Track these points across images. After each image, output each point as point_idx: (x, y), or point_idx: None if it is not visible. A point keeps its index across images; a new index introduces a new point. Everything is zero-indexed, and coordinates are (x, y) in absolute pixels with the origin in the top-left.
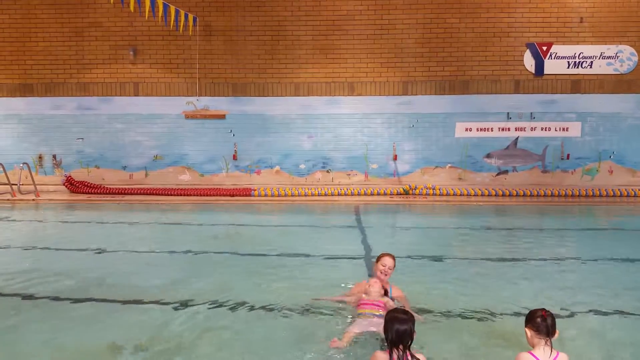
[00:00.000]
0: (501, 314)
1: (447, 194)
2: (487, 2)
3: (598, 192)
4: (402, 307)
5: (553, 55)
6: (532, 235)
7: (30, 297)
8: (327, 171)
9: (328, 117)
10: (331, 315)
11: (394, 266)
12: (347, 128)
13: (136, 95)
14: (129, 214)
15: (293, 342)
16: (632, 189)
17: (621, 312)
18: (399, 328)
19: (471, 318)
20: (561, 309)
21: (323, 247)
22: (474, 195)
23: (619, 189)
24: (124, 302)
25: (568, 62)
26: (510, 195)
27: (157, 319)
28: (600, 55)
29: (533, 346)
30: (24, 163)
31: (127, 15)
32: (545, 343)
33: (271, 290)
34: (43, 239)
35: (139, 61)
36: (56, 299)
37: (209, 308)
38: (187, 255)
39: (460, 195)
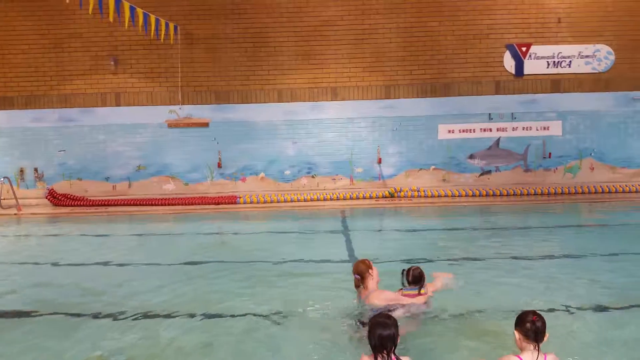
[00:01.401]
0: (491, 314)
1: (432, 196)
2: (466, 5)
3: (580, 190)
4: (387, 312)
5: (532, 56)
6: (517, 234)
7: (6, 314)
8: (313, 176)
9: (312, 122)
10: (319, 321)
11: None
12: (331, 133)
13: (118, 105)
14: (113, 225)
15: (281, 349)
16: (613, 185)
17: (607, 307)
18: (381, 333)
19: (462, 319)
20: (548, 306)
21: (310, 252)
22: (459, 196)
23: (600, 186)
24: (107, 316)
25: (547, 62)
26: (494, 195)
27: (144, 331)
28: (579, 54)
29: (521, 349)
30: (4, 177)
31: (107, 25)
32: (534, 348)
33: (260, 298)
34: (25, 253)
35: (120, 71)
36: (38, 313)
37: (197, 318)
38: (173, 266)
39: (445, 196)
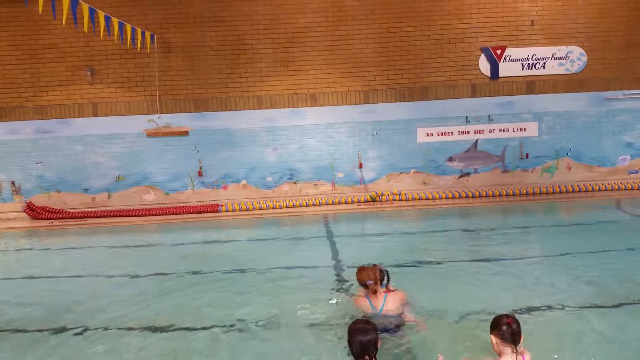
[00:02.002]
0: (473, 315)
1: (413, 199)
2: (441, 10)
3: (558, 189)
4: (364, 317)
5: (507, 58)
6: (497, 234)
7: None
8: (294, 182)
9: (292, 128)
10: (305, 328)
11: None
12: (311, 138)
13: (95, 115)
14: (93, 238)
15: (266, 358)
16: (590, 184)
17: (589, 305)
18: (362, 339)
19: (443, 320)
20: (532, 306)
21: (294, 259)
22: (439, 199)
23: (577, 185)
24: (90, 329)
25: (522, 64)
26: (473, 196)
27: (129, 346)
28: (552, 56)
29: (499, 353)
30: None
31: (82, 35)
32: (512, 351)
33: (244, 307)
34: (3, 268)
35: (96, 81)
36: (21, 330)
37: (182, 331)
38: (156, 278)
39: (426, 199)
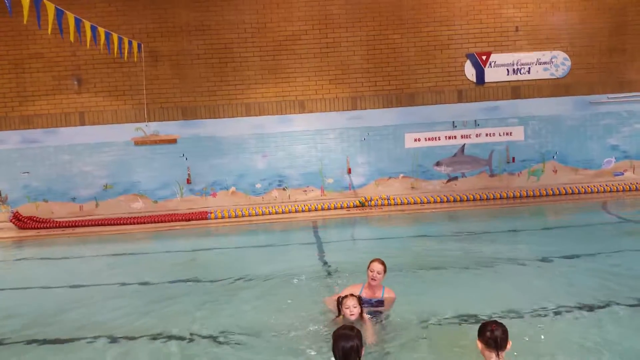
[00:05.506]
0: (461, 320)
1: (402, 203)
2: (427, 17)
3: (545, 192)
4: (350, 324)
5: (493, 64)
6: (486, 238)
7: None
8: (284, 189)
9: (281, 135)
10: (300, 337)
11: (383, 271)
12: (300, 145)
13: (82, 124)
14: (81, 247)
15: None
16: (576, 187)
17: (577, 308)
18: (344, 345)
19: (435, 327)
20: (520, 310)
21: (284, 266)
22: (427, 203)
23: (563, 188)
24: (78, 339)
25: (507, 69)
26: (461, 200)
27: (118, 356)
28: (537, 61)
29: (485, 358)
30: None
31: (68, 44)
32: (497, 355)
33: (233, 316)
34: None
35: (83, 90)
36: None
37: (170, 339)
38: (144, 287)
39: (414, 203)
